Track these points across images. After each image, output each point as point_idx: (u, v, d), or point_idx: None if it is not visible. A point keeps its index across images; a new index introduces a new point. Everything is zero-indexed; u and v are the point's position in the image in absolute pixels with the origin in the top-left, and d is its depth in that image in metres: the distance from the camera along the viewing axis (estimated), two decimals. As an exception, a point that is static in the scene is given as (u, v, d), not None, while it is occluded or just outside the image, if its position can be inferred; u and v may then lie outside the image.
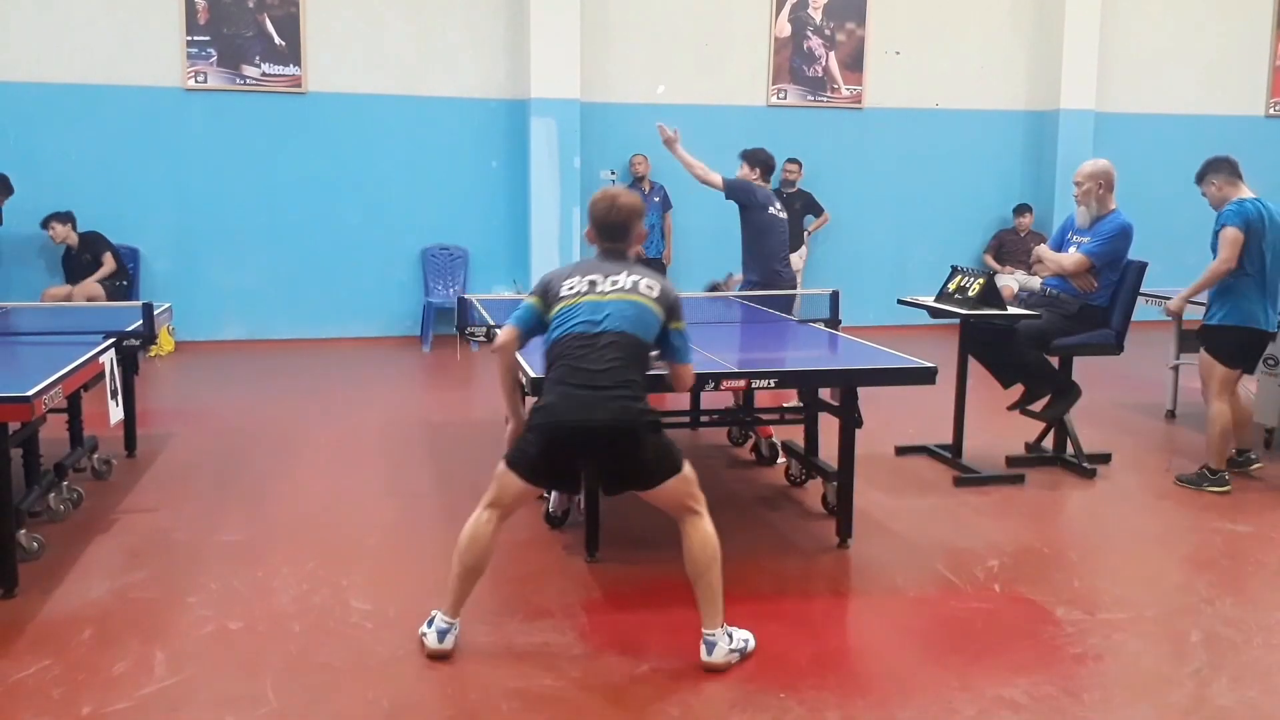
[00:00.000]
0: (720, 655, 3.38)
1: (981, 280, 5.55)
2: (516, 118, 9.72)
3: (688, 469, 3.47)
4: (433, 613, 3.49)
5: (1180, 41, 11.10)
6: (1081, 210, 5.71)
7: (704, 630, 3.41)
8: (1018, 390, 5.81)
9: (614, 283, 3.49)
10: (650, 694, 3.24)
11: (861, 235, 10.62)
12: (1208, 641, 3.69)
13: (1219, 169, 5.36)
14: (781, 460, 5.57)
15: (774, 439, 5.73)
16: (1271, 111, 11.41)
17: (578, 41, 9.54)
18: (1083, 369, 5.81)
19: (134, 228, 8.97)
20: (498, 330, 5.10)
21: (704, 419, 5.85)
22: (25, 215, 8.67)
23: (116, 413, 4.83)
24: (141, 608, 3.82)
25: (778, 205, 6.52)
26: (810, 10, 10.34)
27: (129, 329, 5.22)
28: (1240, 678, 3.41)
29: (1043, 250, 5.99)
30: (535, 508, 4.61)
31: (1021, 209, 10.61)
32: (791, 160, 10.04)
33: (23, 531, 4.14)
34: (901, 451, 5.99)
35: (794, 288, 6.63)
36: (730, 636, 3.43)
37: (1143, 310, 6.20)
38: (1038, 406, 5.79)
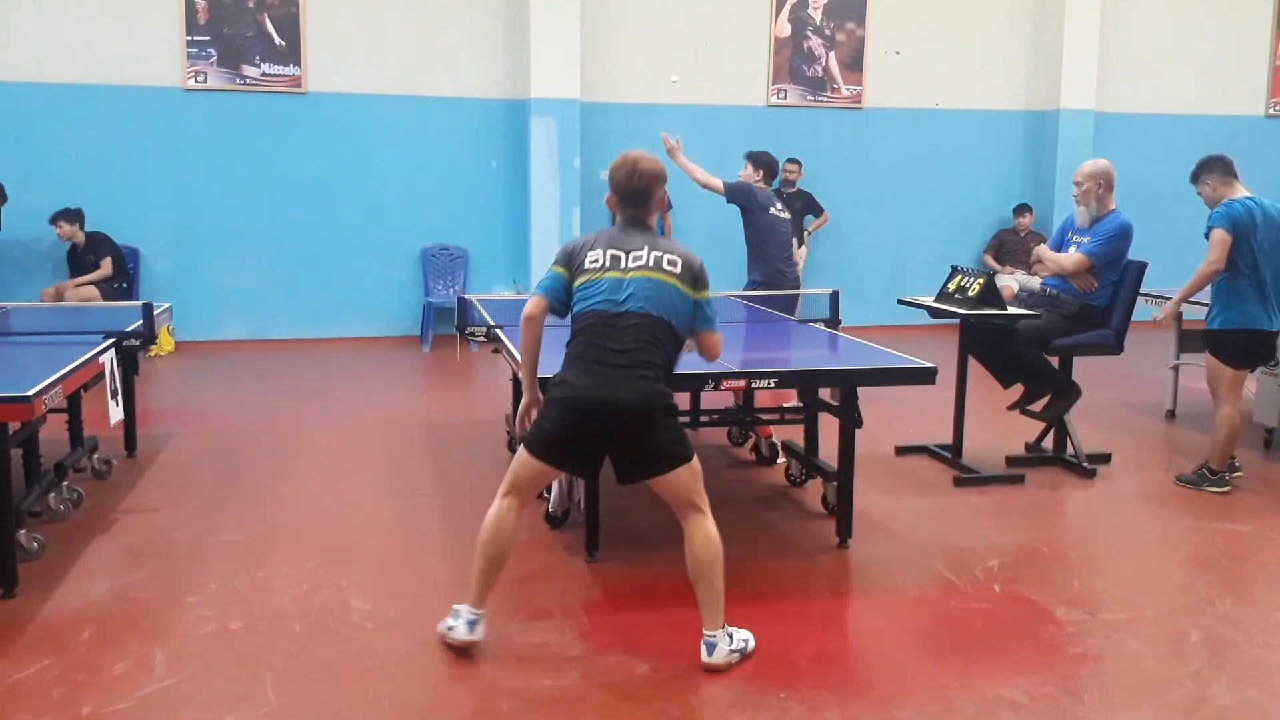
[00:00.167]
0: (720, 656, 3.38)
1: (981, 280, 5.55)
2: (516, 118, 9.72)
3: (696, 462, 3.46)
4: (455, 608, 3.47)
5: (1180, 41, 11.10)
6: (1081, 210, 5.71)
7: (705, 631, 3.41)
8: (1018, 390, 5.81)
9: (636, 258, 3.46)
10: (650, 694, 3.24)
11: (861, 235, 10.62)
12: (1208, 642, 3.69)
13: (1213, 169, 5.36)
14: (781, 460, 5.57)
15: (774, 439, 5.73)
16: (1271, 111, 11.41)
17: (578, 41, 9.54)
18: (1083, 369, 5.81)
19: (134, 228, 8.97)
20: (498, 330, 5.12)
21: (704, 419, 5.85)
22: (25, 215, 8.68)
23: (116, 413, 4.83)
24: (141, 608, 3.82)
25: (779, 206, 6.53)
26: (810, 10, 10.34)
27: (129, 329, 5.22)
28: (1240, 678, 3.41)
29: (1043, 250, 5.98)
30: (535, 507, 4.61)
31: (1021, 209, 10.61)
32: (791, 160, 10.04)
33: (23, 531, 4.14)
34: (901, 451, 5.99)
35: (798, 287, 6.65)
36: (730, 637, 3.43)
37: (1143, 310, 6.20)
38: (1038, 406, 5.79)
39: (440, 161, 9.71)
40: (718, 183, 6.42)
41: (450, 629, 3.45)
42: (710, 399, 5.77)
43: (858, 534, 4.54)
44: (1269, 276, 5.22)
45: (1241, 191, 5.30)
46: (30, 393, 3.66)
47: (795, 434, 5.36)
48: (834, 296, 6.14)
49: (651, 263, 3.45)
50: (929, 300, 5.83)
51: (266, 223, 9.41)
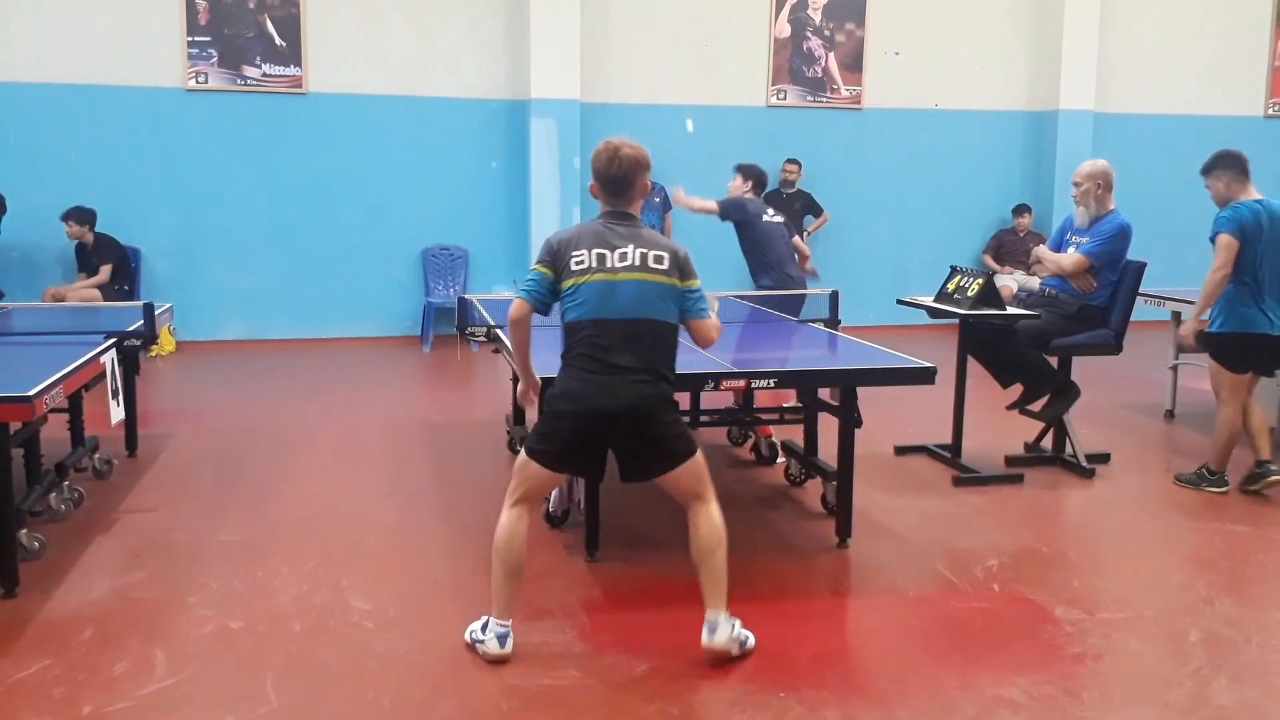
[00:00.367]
0: (723, 637, 3.38)
1: (981, 280, 5.56)
2: (516, 118, 9.73)
3: (700, 455, 3.48)
4: (485, 620, 3.45)
5: (1180, 41, 11.11)
6: (1080, 210, 5.72)
7: (707, 612, 3.41)
8: (1017, 390, 5.81)
9: (622, 256, 3.40)
10: (650, 694, 3.24)
11: (861, 235, 10.62)
12: (1207, 641, 3.69)
13: (1228, 166, 5.21)
14: (781, 460, 5.58)
15: (774, 439, 5.74)
16: (1271, 111, 11.41)
17: (578, 42, 9.55)
18: (1082, 369, 5.82)
19: (135, 228, 8.96)
20: (498, 330, 5.13)
21: (704, 419, 5.85)
22: (25, 215, 8.68)
23: (117, 413, 4.83)
24: (142, 607, 3.82)
25: (771, 211, 6.58)
26: (810, 11, 10.34)
27: (130, 329, 5.23)
28: (1240, 677, 3.41)
29: (1042, 251, 5.99)
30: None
31: (1021, 209, 10.61)
32: (791, 160, 10.05)
33: (24, 531, 4.15)
34: (901, 451, 6.00)
35: (804, 288, 6.69)
36: (733, 624, 3.44)
37: (1142, 310, 6.20)
38: (1037, 406, 5.80)
39: (440, 162, 9.71)
40: (711, 204, 6.52)
41: (481, 643, 3.42)
42: (710, 399, 5.77)
43: (857, 534, 4.54)
44: (1267, 280, 5.13)
45: (1253, 193, 5.18)
46: (31, 393, 3.67)
47: (795, 434, 5.36)
48: (834, 296, 6.15)
49: (638, 262, 3.41)
50: (928, 300, 5.83)
51: (267, 223, 9.42)
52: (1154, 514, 5.20)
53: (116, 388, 4.81)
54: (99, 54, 8.93)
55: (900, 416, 6.43)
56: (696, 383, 4.15)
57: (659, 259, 3.44)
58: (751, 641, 3.49)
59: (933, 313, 5.77)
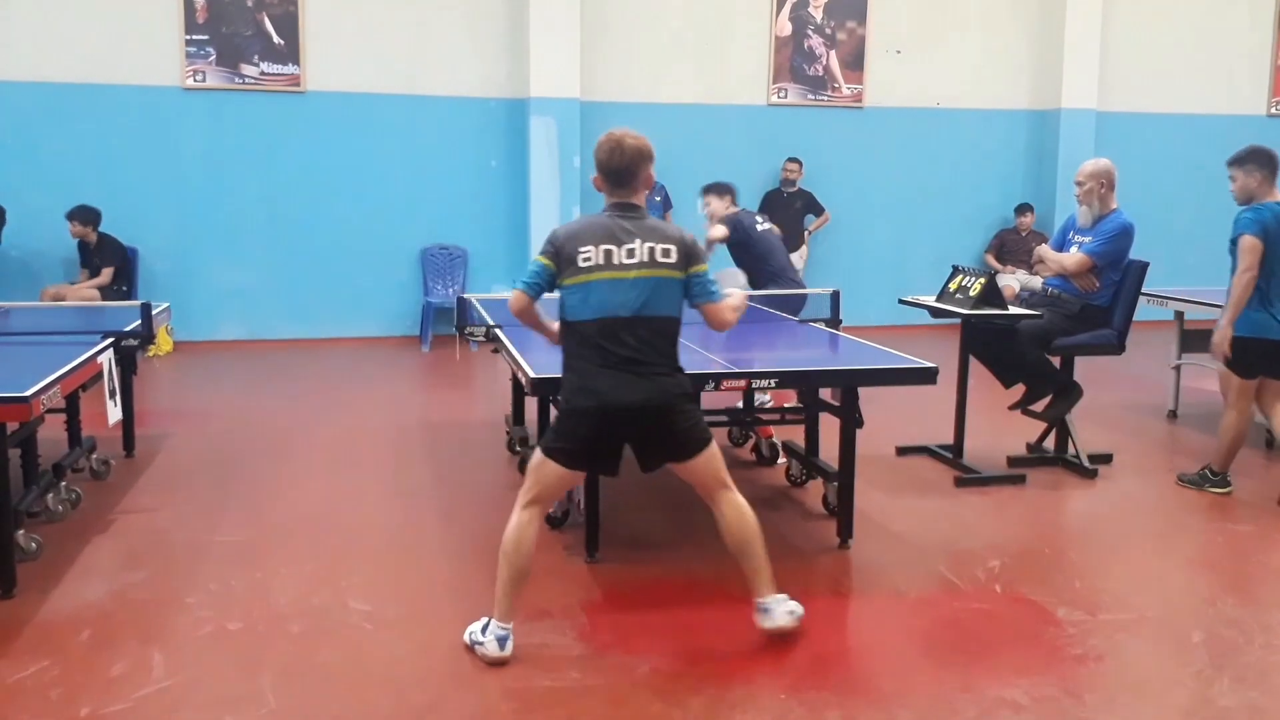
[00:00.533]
0: (779, 617, 3.48)
1: (983, 280, 5.54)
2: (516, 117, 9.72)
3: (715, 444, 3.51)
4: (485, 621, 3.43)
5: (1182, 40, 11.09)
6: (1083, 210, 5.70)
7: (757, 599, 3.50)
8: (1019, 390, 5.80)
9: (630, 252, 3.38)
10: (650, 694, 3.23)
11: (862, 235, 10.61)
12: (1209, 642, 3.68)
13: (1264, 163, 5.03)
14: (782, 460, 5.56)
15: (774, 439, 5.72)
16: (1273, 111, 11.40)
17: (577, 41, 9.53)
18: (1084, 369, 5.80)
19: (132, 227, 8.94)
20: (498, 330, 5.11)
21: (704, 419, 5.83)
22: (25, 215, 8.67)
23: (115, 413, 4.82)
24: (140, 608, 3.81)
25: (760, 218, 6.54)
26: (811, 9, 10.33)
27: (127, 329, 5.21)
28: (1242, 678, 3.40)
29: (1044, 250, 5.97)
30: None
31: (1023, 208, 10.60)
32: (792, 160, 10.04)
33: (21, 532, 4.13)
34: (902, 452, 5.98)
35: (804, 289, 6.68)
36: (784, 600, 3.51)
37: (1144, 310, 6.19)
38: (1039, 406, 5.78)
39: (440, 161, 9.70)
40: (724, 231, 6.42)
41: (480, 645, 3.41)
42: (710, 399, 5.74)
43: (858, 534, 4.53)
44: (1276, 285, 5.01)
45: (1276, 195, 5.05)
46: (28, 393, 3.65)
47: (795, 434, 5.35)
48: (834, 296, 6.13)
49: (647, 257, 3.39)
50: (930, 300, 5.81)
51: (265, 222, 9.40)
52: (1156, 515, 5.18)
53: (114, 388, 4.80)
54: (96, 53, 8.92)
55: (902, 417, 6.41)
56: (697, 383, 4.12)
57: (666, 252, 3.42)
58: (801, 609, 3.55)
59: (934, 312, 5.75)
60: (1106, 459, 5.83)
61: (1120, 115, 10.86)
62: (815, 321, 5.93)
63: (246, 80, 9.23)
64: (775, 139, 10.24)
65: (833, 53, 10.44)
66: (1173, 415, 6.93)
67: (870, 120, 10.59)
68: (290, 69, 9.29)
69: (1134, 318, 5.73)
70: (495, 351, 5.49)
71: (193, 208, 9.25)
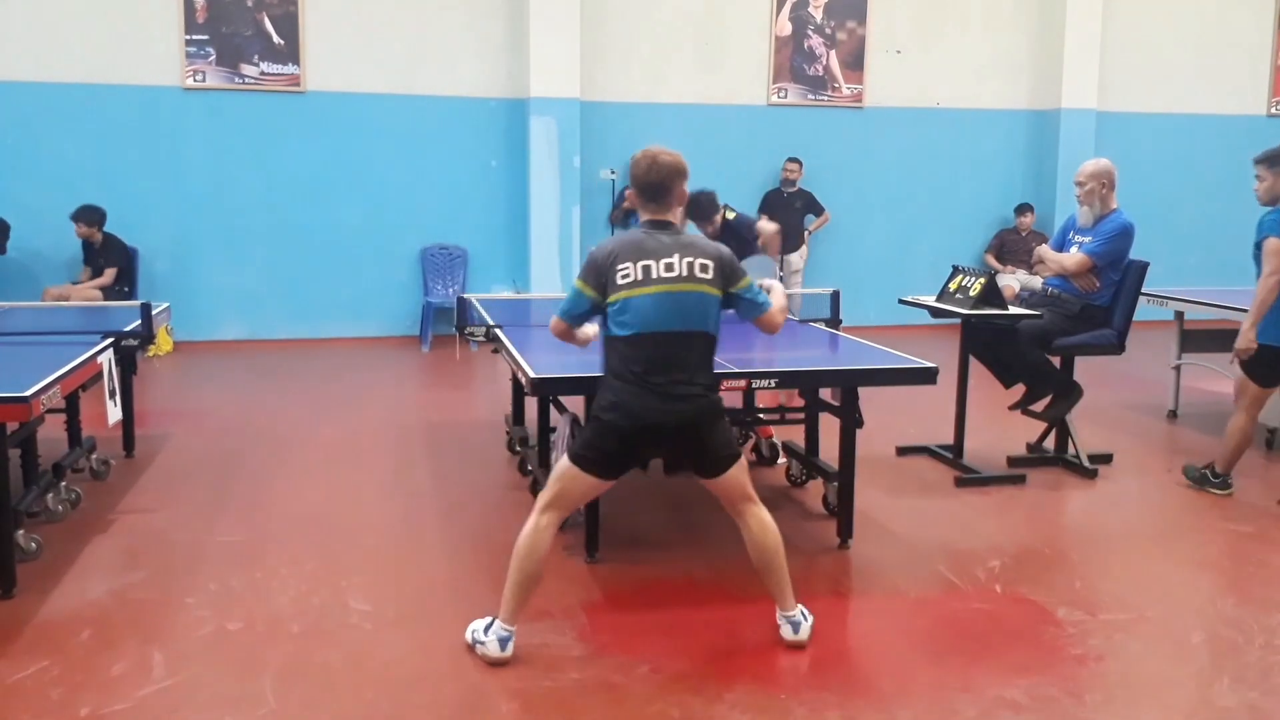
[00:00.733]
0: (805, 633, 3.53)
1: (983, 280, 5.54)
2: (516, 117, 9.71)
3: (743, 458, 3.54)
4: (489, 620, 3.42)
5: (1182, 40, 11.10)
6: (1084, 210, 5.70)
7: (783, 613, 3.54)
8: (1019, 390, 5.80)
9: (669, 267, 3.37)
10: (650, 694, 3.23)
11: (862, 235, 10.61)
12: (1209, 642, 3.68)
13: None
14: (782, 460, 5.56)
15: (774, 439, 5.72)
16: (1273, 111, 11.40)
17: (577, 41, 9.53)
18: (1084, 369, 5.80)
19: (132, 227, 8.94)
20: (497, 330, 5.11)
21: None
22: (24, 215, 8.68)
23: (115, 413, 4.81)
24: (140, 608, 3.80)
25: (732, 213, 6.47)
26: (811, 9, 10.33)
27: (127, 329, 5.21)
28: (1242, 678, 3.40)
29: (1044, 250, 5.97)
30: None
31: (1023, 208, 10.60)
32: (792, 159, 10.03)
33: (21, 532, 4.13)
34: (902, 452, 5.98)
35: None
36: (804, 614, 3.55)
37: (1144, 310, 6.18)
38: (1039, 406, 5.78)
39: (439, 161, 9.70)
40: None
41: (482, 644, 3.40)
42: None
43: (858, 534, 4.53)
44: None
45: None
46: (28, 393, 3.65)
47: (795, 434, 5.35)
48: (834, 296, 6.12)
49: (685, 272, 3.38)
50: (930, 300, 5.81)
51: (265, 222, 9.40)
52: (1156, 515, 5.18)
53: (114, 388, 4.79)
54: (96, 53, 8.92)
55: (902, 417, 6.41)
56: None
57: (704, 267, 3.41)
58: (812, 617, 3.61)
59: (934, 312, 5.75)
60: (1106, 459, 5.83)
61: (1120, 115, 10.86)
62: (815, 321, 5.93)
63: (246, 80, 9.23)
64: (775, 139, 10.24)
65: (833, 53, 10.44)
66: (1173, 415, 6.93)
67: (870, 120, 10.59)
68: (290, 69, 9.29)
69: (1134, 318, 5.73)
70: (495, 351, 5.49)
71: (193, 208, 9.25)
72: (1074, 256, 5.64)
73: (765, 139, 10.25)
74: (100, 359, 4.61)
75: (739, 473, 3.51)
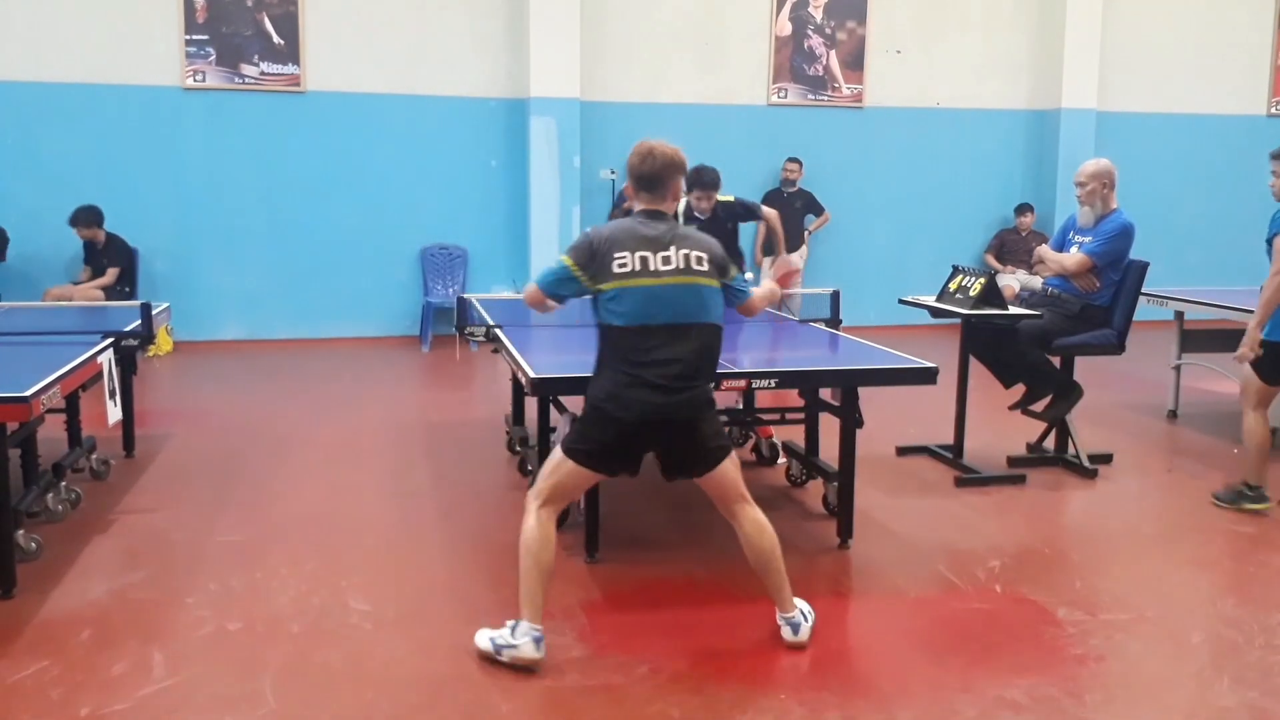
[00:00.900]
0: (805, 633, 3.53)
1: (983, 280, 5.54)
2: (516, 117, 9.71)
3: (734, 453, 3.56)
4: (513, 625, 3.36)
5: (1181, 40, 11.09)
6: (1086, 210, 5.69)
7: (783, 614, 3.54)
8: (1019, 390, 5.80)
9: (666, 260, 3.39)
10: (650, 694, 3.23)
11: (862, 235, 10.61)
12: (1209, 642, 3.68)
13: None
14: (782, 460, 5.56)
15: (774, 439, 5.72)
16: (1273, 111, 11.39)
17: (578, 41, 9.53)
18: (1084, 369, 5.80)
19: (132, 227, 8.93)
20: (498, 330, 5.11)
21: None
22: (24, 215, 8.68)
23: (115, 413, 4.81)
24: (140, 608, 3.80)
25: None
26: (811, 9, 10.32)
27: (127, 329, 5.21)
28: (1242, 679, 3.39)
29: (1044, 250, 5.97)
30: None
31: (1023, 208, 10.60)
32: (792, 159, 10.03)
33: (21, 532, 4.13)
34: (902, 452, 5.98)
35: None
36: (805, 614, 3.56)
37: (1144, 310, 6.18)
38: (1039, 406, 5.78)
39: (439, 161, 9.69)
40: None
41: (513, 648, 3.34)
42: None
43: (858, 534, 4.53)
44: None
45: None
46: (28, 393, 3.65)
47: (795, 434, 5.35)
48: (834, 296, 6.12)
49: (683, 264, 3.41)
50: (930, 300, 5.81)
51: (265, 222, 9.40)
52: (1156, 515, 5.18)
53: (114, 388, 4.79)
54: (96, 53, 8.91)
55: (902, 417, 6.41)
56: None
57: (700, 259, 3.44)
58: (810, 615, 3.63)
59: (934, 312, 5.75)
60: (1106, 459, 5.83)
61: (1120, 115, 10.86)
62: (815, 321, 5.93)
63: (246, 80, 9.22)
64: (775, 139, 10.24)
65: (833, 53, 10.44)
66: (1173, 415, 6.93)
67: (870, 120, 10.59)
68: (290, 69, 9.29)
69: (1134, 318, 5.73)
70: (495, 351, 5.49)
71: (193, 208, 9.25)
72: (1074, 256, 5.64)
73: (765, 139, 10.25)
74: (100, 359, 4.61)
75: (732, 468, 3.52)
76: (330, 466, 5.70)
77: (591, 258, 3.43)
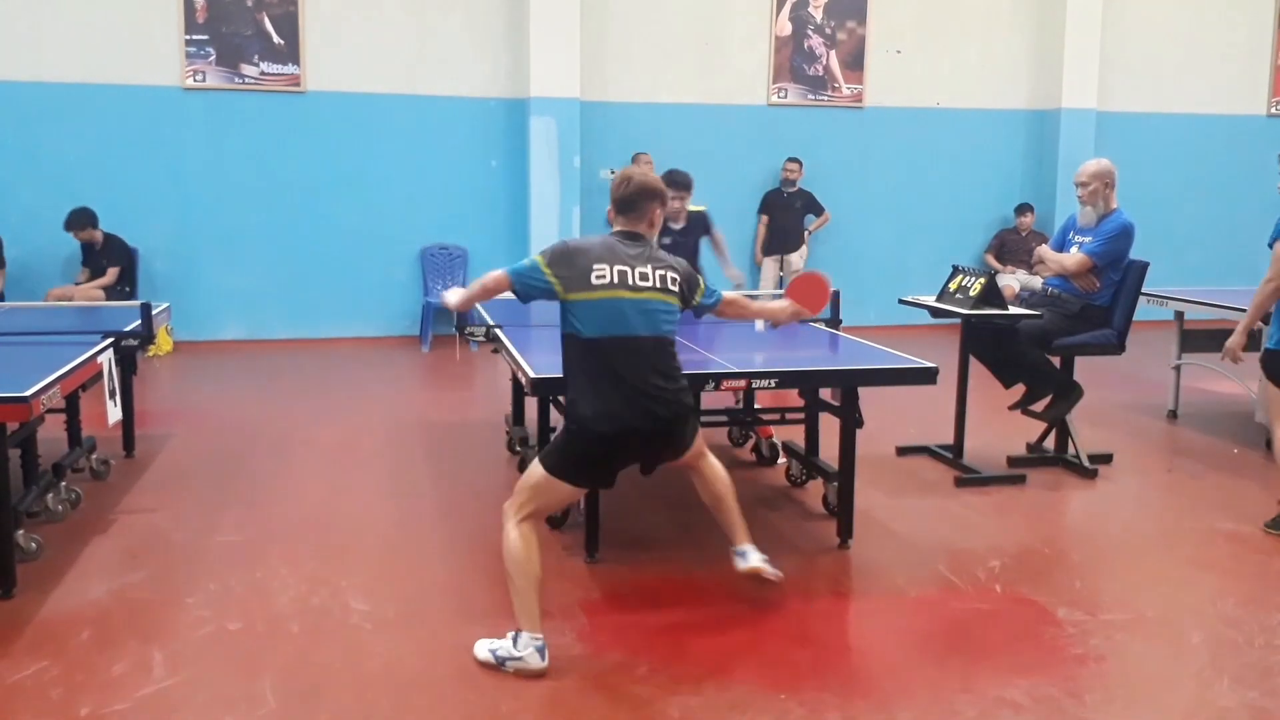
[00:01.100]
0: (755, 559, 3.80)
1: (983, 280, 5.54)
2: (516, 117, 9.71)
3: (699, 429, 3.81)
4: (513, 636, 3.35)
5: (1181, 40, 11.09)
6: (1087, 210, 5.69)
7: (735, 546, 3.84)
8: (1019, 390, 5.80)
9: (643, 276, 3.51)
10: (650, 694, 3.23)
11: (862, 235, 10.61)
12: (1209, 642, 3.68)
13: None
14: (782, 460, 5.56)
15: (774, 439, 5.72)
16: (1273, 111, 11.38)
17: (578, 41, 9.53)
18: (1084, 369, 5.80)
19: (132, 227, 8.93)
20: (498, 330, 5.11)
21: (704, 419, 5.82)
22: (24, 215, 8.68)
23: (115, 413, 4.81)
24: (140, 608, 3.81)
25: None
26: (811, 9, 10.32)
27: (127, 329, 5.21)
28: (1242, 679, 3.39)
29: (1044, 250, 5.97)
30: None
31: (1023, 208, 10.60)
32: (792, 159, 10.03)
33: (21, 532, 4.13)
34: (902, 452, 5.98)
35: None
36: (754, 549, 3.82)
37: (1144, 310, 6.18)
38: (1039, 406, 5.78)
39: (439, 161, 9.69)
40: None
41: (518, 660, 3.32)
42: (710, 399, 5.74)
43: (858, 534, 4.53)
44: None
45: None
46: (28, 393, 3.65)
47: (795, 434, 5.35)
48: (835, 296, 6.12)
49: (658, 283, 3.54)
50: (930, 300, 5.81)
51: (265, 222, 9.40)
52: (1156, 515, 5.19)
53: (114, 388, 4.79)
54: (96, 52, 8.91)
55: (902, 417, 6.41)
56: (697, 383, 4.13)
57: (674, 280, 3.60)
58: (777, 575, 3.83)
59: (934, 312, 5.75)
60: (1106, 459, 5.83)
61: (1120, 115, 10.86)
62: (815, 321, 5.92)
63: (246, 80, 9.22)
64: (775, 139, 10.24)
65: (833, 53, 10.43)
66: (1173, 415, 6.93)
67: (870, 120, 10.59)
68: (290, 69, 9.29)
69: (1134, 318, 5.73)
70: (495, 351, 5.49)
71: (193, 208, 9.24)
72: (1074, 256, 5.64)
73: (765, 139, 10.25)
74: (100, 359, 4.61)
75: (697, 446, 3.78)
76: (330, 466, 5.70)
77: (569, 265, 3.49)
